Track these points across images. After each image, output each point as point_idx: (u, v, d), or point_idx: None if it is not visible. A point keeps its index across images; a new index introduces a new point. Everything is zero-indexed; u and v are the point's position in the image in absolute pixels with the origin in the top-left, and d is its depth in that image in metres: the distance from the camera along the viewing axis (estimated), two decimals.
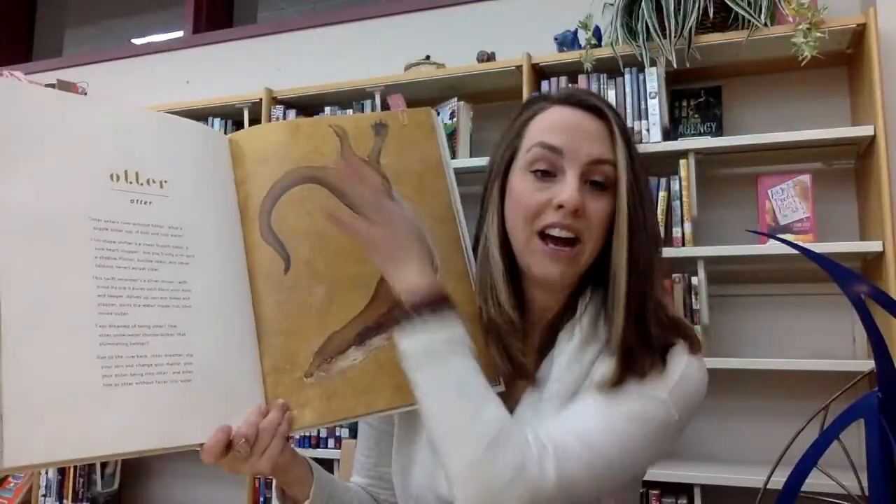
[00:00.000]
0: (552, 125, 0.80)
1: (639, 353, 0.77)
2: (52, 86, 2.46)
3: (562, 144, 0.78)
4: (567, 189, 0.76)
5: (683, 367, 0.79)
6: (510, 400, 0.85)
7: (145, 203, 0.76)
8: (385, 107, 2.39)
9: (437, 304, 0.73)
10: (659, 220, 1.98)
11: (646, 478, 0.90)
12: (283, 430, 0.76)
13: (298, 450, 0.86)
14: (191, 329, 0.75)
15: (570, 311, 0.84)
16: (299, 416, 0.78)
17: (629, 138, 0.79)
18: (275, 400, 0.78)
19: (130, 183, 0.76)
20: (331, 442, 2.27)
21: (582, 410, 0.76)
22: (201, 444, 0.72)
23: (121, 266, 0.72)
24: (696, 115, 2.19)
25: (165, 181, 0.79)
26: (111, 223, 0.73)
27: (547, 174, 0.79)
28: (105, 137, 0.76)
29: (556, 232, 0.78)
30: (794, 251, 1.39)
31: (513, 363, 0.82)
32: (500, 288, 0.82)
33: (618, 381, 0.76)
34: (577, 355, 0.80)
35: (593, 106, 0.80)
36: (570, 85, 2.16)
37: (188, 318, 0.75)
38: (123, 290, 0.71)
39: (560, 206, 0.76)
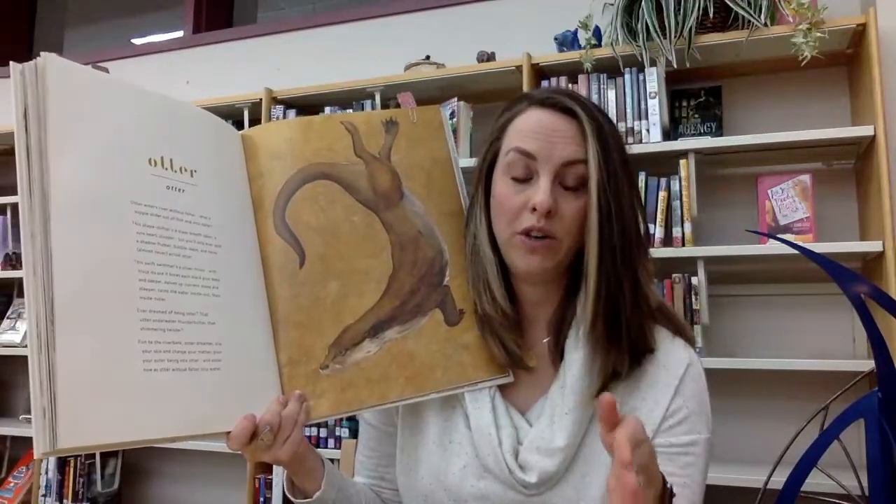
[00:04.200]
0: (528, 129, 0.83)
1: (608, 348, 0.80)
2: None
3: (535, 149, 0.81)
4: (539, 193, 0.80)
5: (704, 390, 0.84)
6: (520, 397, 0.87)
7: (179, 190, 0.76)
8: (385, 107, 2.39)
9: None
10: (659, 219, 1.98)
11: None
12: (302, 420, 0.78)
13: None
14: (219, 318, 0.75)
15: (570, 308, 0.85)
16: (315, 406, 0.80)
17: (605, 138, 0.81)
18: (293, 390, 0.79)
19: (166, 169, 0.76)
20: (331, 442, 2.27)
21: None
22: (228, 432, 0.73)
23: (159, 251, 0.72)
24: (696, 115, 2.19)
25: (195, 170, 0.79)
26: (150, 207, 0.73)
27: (523, 178, 0.82)
28: (144, 121, 0.76)
29: (533, 234, 0.81)
30: (794, 251, 1.39)
31: (509, 354, 0.85)
32: (493, 282, 0.85)
33: (600, 390, 0.80)
34: (587, 368, 0.82)
35: (567, 108, 0.82)
36: (570, 85, 2.16)
37: (217, 307, 0.76)
38: (161, 275, 0.71)
39: (534, 209, 0.80)
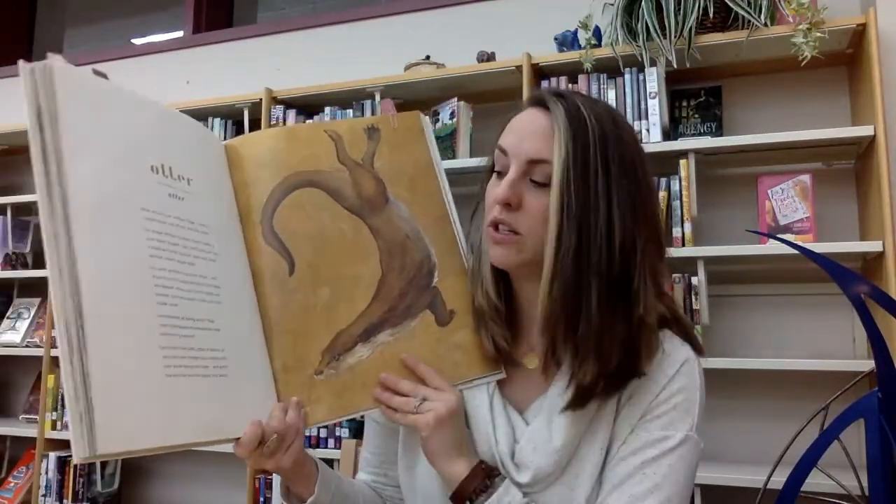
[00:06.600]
0: (510, 127, 0.84)
1: (557, 353, 0.80)
2: None
3: (507, 145, 0.83)
4: (501, 186, 0.81)
5: (699, 392, 0.82)
6: (518, 395, 0.87)
7: (179, 198, 0.76)
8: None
9: (483, 484, 0.79)
10: (658, 217, 1.98)
11: None
12: (301, 427, 0.79)
13: None
14: (223, 325, 0.75)
15: None
16: (312, 412, 0.81)
17: (585, 136, 0.77)
18: (290, 397, 0.80)
19: (166, 177, 0.76)
20: (331, 442, 2.27)
21: (637, 486, 0.78)
22: (237, 439, 0.73)
23: (169, 258, 0.71)
24: (696, 115, 2.19)
25: (191, 179, 0.79)
26: (158, 214, 0.72)
27: (500, 174, 0.83)
28: (146, 129, 0.76)
29: (501, 228, 0.82)
30: (794, 251, 1.40)
31: (498, 350, 0.85)
32: (486, 275, 0.86)
33: (575, 404, 0.79)
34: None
35: (543, 103, 0.82)
36: (569, 85, 2.16)
37: (220, 314, 0.75)
38: (173, 281, 0.71)
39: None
